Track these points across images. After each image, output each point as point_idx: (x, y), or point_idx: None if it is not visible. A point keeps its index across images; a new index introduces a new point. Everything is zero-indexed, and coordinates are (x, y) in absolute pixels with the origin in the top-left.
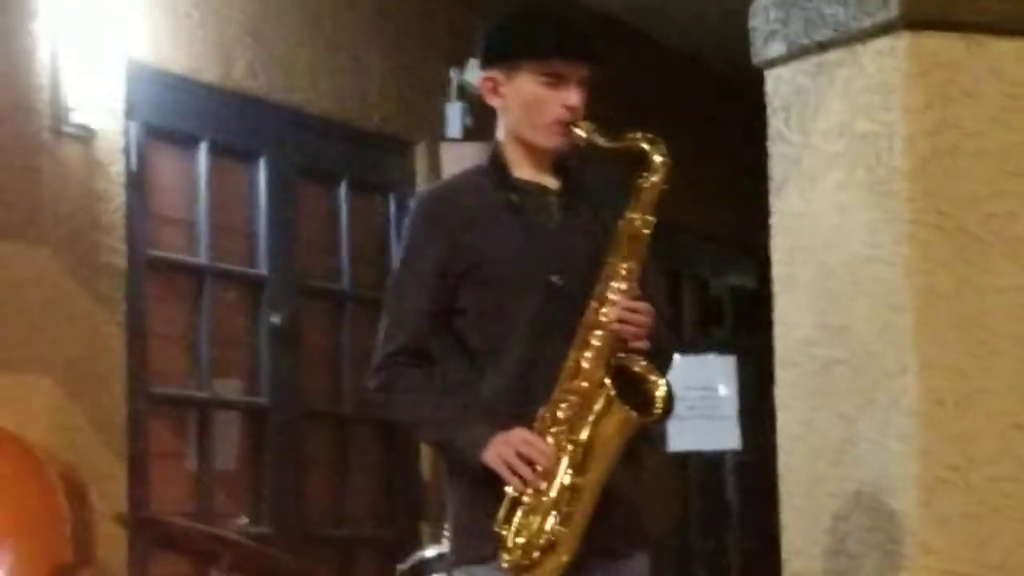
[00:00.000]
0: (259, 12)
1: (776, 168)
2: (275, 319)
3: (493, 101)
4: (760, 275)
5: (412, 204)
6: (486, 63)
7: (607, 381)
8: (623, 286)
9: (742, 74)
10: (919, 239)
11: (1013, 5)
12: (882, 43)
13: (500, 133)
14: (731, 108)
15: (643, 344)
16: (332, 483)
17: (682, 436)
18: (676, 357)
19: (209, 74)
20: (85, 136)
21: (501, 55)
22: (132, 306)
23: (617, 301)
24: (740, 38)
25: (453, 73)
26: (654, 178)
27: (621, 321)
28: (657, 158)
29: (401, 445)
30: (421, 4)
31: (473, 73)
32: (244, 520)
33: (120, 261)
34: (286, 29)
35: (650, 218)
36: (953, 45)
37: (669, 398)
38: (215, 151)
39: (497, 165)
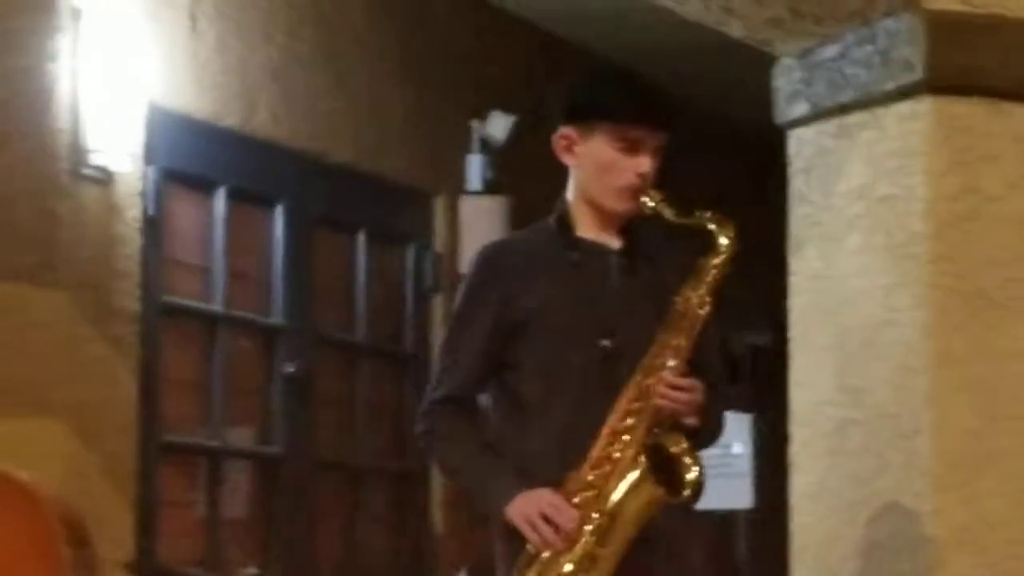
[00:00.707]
0: (282, 59)
1: (796, 228)
2: (289, 368)
3: (566, 159)
4: (777, 334)
5: (475, 255)
6: (564, 120)
7: (642, 457)
8: (671, 363)
9: (762, 132)
10: (937, 303)
11: None
12: (905, 106)
13: (569, 191)
14: (751, 166)
15: (693, 421)
16: (343, 534)
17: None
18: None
19: (229, 119)
20: (103, 179)
21: (580, 114)
22: (145, 352)
23: (663, 377)
24: (759, 97)
25: (475, 125)
26: (717, 260)
27: (664, 397)
28: (723, 240)
29: (414, 498)
30: (445, 55)
31: (495, 125)
32: (254, 570)
33: (135, 306)
34: (309, 76)
35: (708, 298)
36: (975, 110)
37: (699, 483)
38: (233, 197)
39: (563, 223)
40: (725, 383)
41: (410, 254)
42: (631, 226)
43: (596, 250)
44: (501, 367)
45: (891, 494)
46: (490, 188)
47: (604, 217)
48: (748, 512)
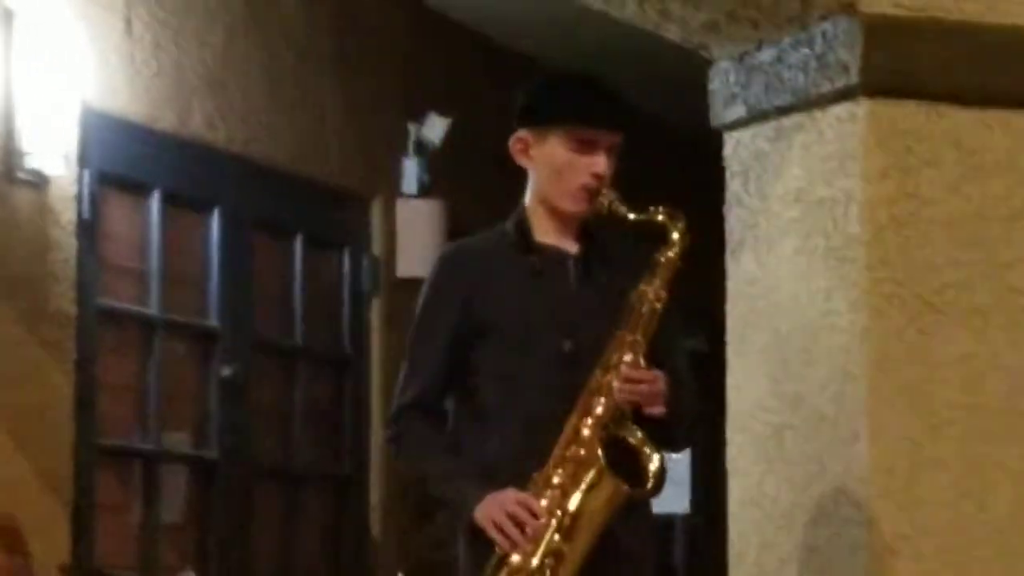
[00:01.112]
0: (218, 62)
1: (733, 232)
2: (226, 372)
3: (522, 162)
4: (713, 339)
5: (434, 259)
6: (519, 124)
7: (599, 452)
8: (628, 357)
9: (698, 136)
10: (874, 307)
11: (973, 75)
12: (841, 109)
13: (527, 195)
14: (687, 170)
15: (659, 410)
16: (280, 539)
17: None
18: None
19: (165, 123)
20: (37, 183)
21: (534, 117)
22: (82, 356)
23: (620, 371)
24: (698, 100)
25: (411, 128)
26: (671, 253)
27: (622, 391)
28: (675, 234)
29: (351, 502)
30: (381, 59)
31: (431, 128)
32: (190, 574)
33: (71, 310)
34: (245, 80)
35: (663, 293)
36: (912, 113)
37: (661, 472)
38: (168, 200)
39: (520, 227)
40: (689, 382)
41: (347, 257)
42: (589, 230)
43: (555, 255)
44: (463, 372)
45: (828, 500)
46: (426, 191)
47: (562, 221)
48: (686, 517)
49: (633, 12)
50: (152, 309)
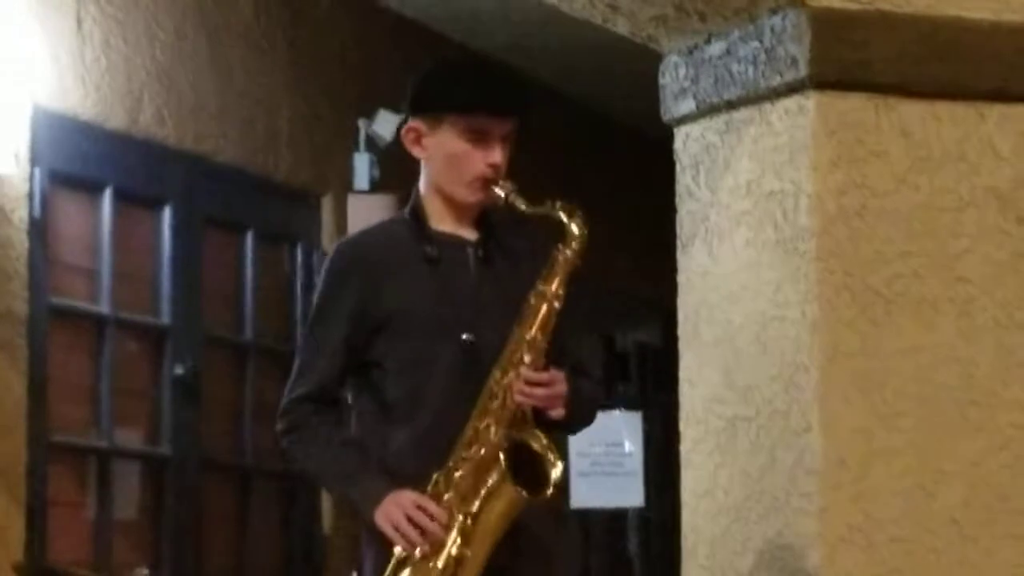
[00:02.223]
0: (168, 59)
1: (684, 225)
2: (178, 369)
3: (415, 151)
4: (666, 332)
5: (331, 251)
6: (411, 113)
7: (501, 457)
8: (527, 357)
9: (651, 129)
10: (825, 298)
11: (921, 67)
12: (791, 102)
13: (421, 184)
14: (641, 164)
15: (558, 413)
16: (232, 535)
17: (586, 492)
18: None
19: (115, 121)
20: None
21: (426, 106)
22: (33, 354)
23: (520, 373)
24: (649, 94)
25: (361, 124)
26: (569, 251)
27: (522, 393)
28: (574, 230)
29: (302, 499)
30: (331, 54)
31: (382, 124)
32: (144, 571)
33: (22, 308)
34: (195, 77)
35: (562, 291)
36: (862, 105)
37: (561, 481)
38: (120, 198)
39: (416, 216)
40: (593, 371)
41: (298, 253)
42: (486, 216)
43: (452, 243)
44: (363, 364)
45: (781, 492)
46: (377, 187)
47: (458, 208)
48: (639, 510)
49: (583, 6)
50: (104, 307)
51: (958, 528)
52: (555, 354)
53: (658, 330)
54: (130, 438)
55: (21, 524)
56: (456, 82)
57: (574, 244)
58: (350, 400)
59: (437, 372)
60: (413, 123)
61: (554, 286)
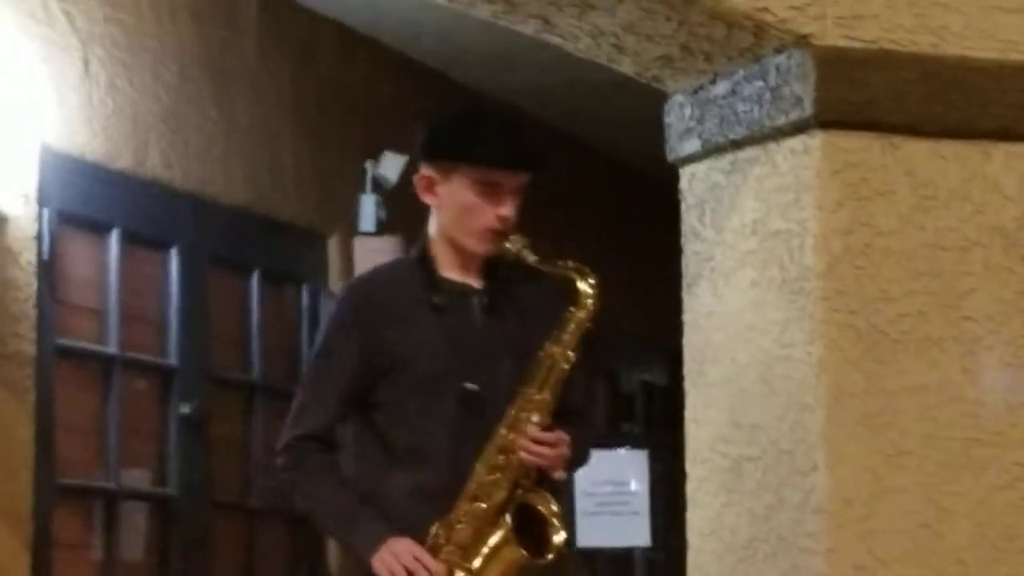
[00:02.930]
0: (175, 101)
1: (689, 265)
2: (185, 410)
3: (427, 198)
4: (672, 371)
5: (340, 291)
6: (424, 159)
7: (507, 517)
8: (535, 418)
9: (656, 169)
10: (830, 338)
11: (927, 106)
12: (796, 142)
13: (431, 228)
14: (646, 204)
15: (560, 474)
16: (239, 575)
17: (591, 532)
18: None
19: (122, 162)
20: None
21: (439, 154)
22: (41, 395)
23: (528, 432)
24: (655, 134)
25: (368, 166)
26: (581, 313)
27: (530, 452)
28: (587, 291)
29: (309, 540)
30: (336, 96)
31: (388, 166)
32: None
33: (29, 349)
34: (202, 118)
35: (570, 353)
36: (867, 144)
37: (563, 547)
38: (127, 239)
39: (424, 262)
40: (585, 406)
41: (304, 294)
42: (493, 264)
43: (459, 291)
44: (366, 407)
45: (787, 531)
46: (383, 228)
47: (465, 256)
48: (645, 550)
49: (587, 46)
50: (111, 347)
51: (964, 568)
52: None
53: (664, 369)
54: (137, 479)
55: (27, 565)
56: (471, 133)
57: (587, 305)
58: (351, 437)
59: (439, 421)
60: (425, 171)
61: (565, 348)
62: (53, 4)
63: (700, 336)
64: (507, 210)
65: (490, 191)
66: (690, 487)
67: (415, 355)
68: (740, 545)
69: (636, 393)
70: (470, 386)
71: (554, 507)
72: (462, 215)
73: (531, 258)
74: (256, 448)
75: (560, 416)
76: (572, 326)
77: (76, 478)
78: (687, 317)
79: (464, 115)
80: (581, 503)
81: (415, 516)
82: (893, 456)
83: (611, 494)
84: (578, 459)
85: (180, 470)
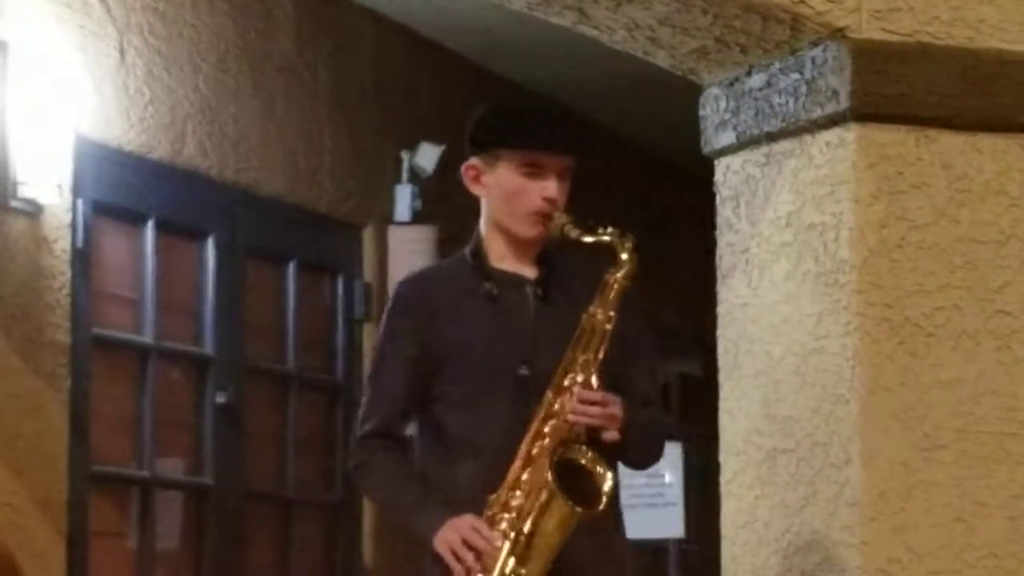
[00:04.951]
0: (212, 91)
1: (724, 257)
2: (220, 399)
3: (475, 190)
4: (707, 363)
5: (394, 289)
6: (469, 151)
7: (549, 475)
8: (579, 378)
9: (692, 161)
10: (865, 331)
11: (963, 99)
12: (831, 134)
13: (482, 222)
14: (681, 195)
15: (612, 435)
16: (274, 564)
17: (626, 523)
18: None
19: (159, 151)
20: (32, 212)
21: (483, 144)
22: (76, 384)
23: (574, 392)
24: (689, 126)
25: (403, 156)
26: (619, 274)
27: (575, 412)
28: (623, 254)
29: (344, 529)
30: (373, 86)
31: (424, 156)
32: None
33: (65, 339)
34: (238, 108)
35: (612, 313)
36: (902, 138)
37: (614, 492)
38: (163, 229)
39: (476, 254)
40: (656, 404)
41: (340, 284)
42: (546, 255)
43: (512, 280)
44: (427, 400)
45: (821, 524)
46: (418, 218)
47: (518, 246)
48: (679, 542)
49: (623, 39)
50: (146, 337)
51: (998, 561)
52: (621, 384)
53: (699, 361)
54: (172, 468)
55: (63, 555)
56: (512, 119)
57: (625, 268)
58: (415, 435)
59: (497, 407)
60: (471, 162)
61: (604, 308)
62: None
63: (735, 328)
64: (551, 191)
65: (533, 173)
66: (724, 479)
67: (469, 344)
68: (773, 537)
69: (672, 385)
70: (523, 371)
71: (591, 455)
72: (509, 200)
73: (574, 232)
74: (291, 438)
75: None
76: (611, 288)
77: (111, 467)
78: (722, 309)
79: (507, 105)
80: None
81: (477, 503)
82: (927, 449)
83: (646, 486)
84: (645, 443)
85: (215, 459)
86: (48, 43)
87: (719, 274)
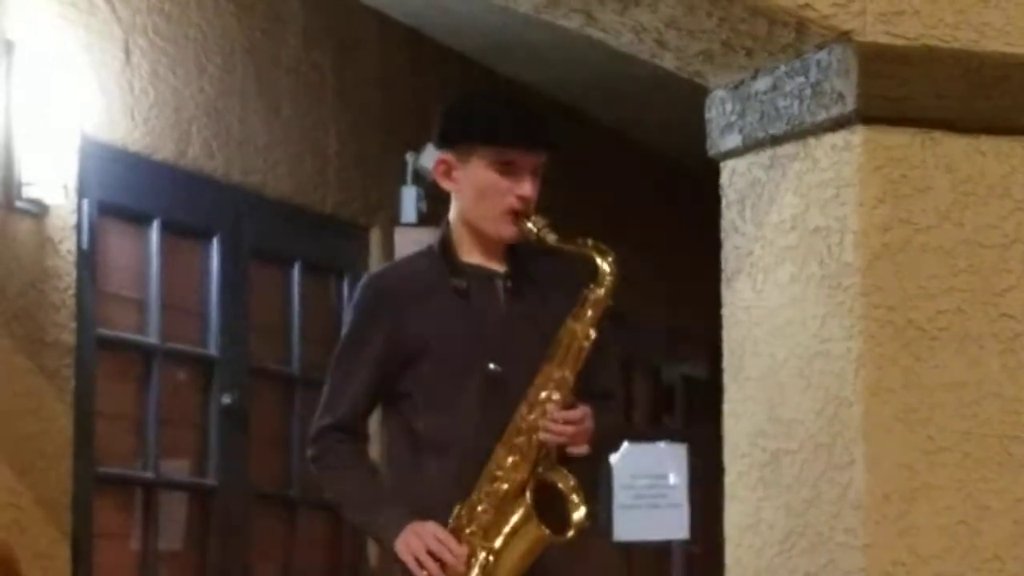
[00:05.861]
0: (217, 92)
1: (729, 260)
2: (225, 400)
3: (446, 184)
4: (712, 365)
5: (361, 283)
6: (440, 145)
7: (527, 496)
8: (555, 396)
9: (697, 164)
10: (869, 333)
11: (967, 102)
12: (836, 137)
13: (451, 215)
14: (687, 198)
15: (582, 451)
16: (279, 566)
17: (630, 525)
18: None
19: (164, 152)
20: (37, 212)
21: (455, 139)
22: (81, 385)
23: (547, 410)
24: (695, 129)
25: (409, 157)
26: (600, 291)
27: (549, 431)
28: (605, 270)
29: (349, 531)
30: (379, 87)
31: (429, 158)
32: None
33: (69, 339)
34: (243, 109)
35: (592, 331)
36: (907, 141)
37: (584, 524)
38: (168, 230)
39: (446, 248)
40: (617, 396)
41: (345, 286)
42: (516, 249)
43: (481, 275)
44: (394, 398)
45: (825, 526)
46: (424, 220)
47: (486, 241)
48: (683, 543)
49: (630, 41)
50: (151, 337)
51: (1002, 564)
52: (583, 375)
53: (704, 363)
54: (177, 469)
55: (67, 555)
56: (485, 114)
57: (605, 283)
58: (384, 433)
59: (465, 404)
60: (443, 156)
61: (585, 326)
62: None
63: (739, 330)
64: (526, 189)
65: (507, 171)
66: (728, 481)
67: (437, 339)
68: (777, 539)
69: (676, 386)
70: (494, 367)
71: (572, 483)
72: (481, 197)
73: (551, 238)
74: (296, 439)
75: (590, 397)
76: (592, 304)
77: (116, 468)
78: (726, 311)
79: (477, 99)
80: (620, 496)
81: (446, 502)
82: (931, 452)
83: (650, 487)
84: (606, 442)
85: (220, 460)
86: (53, 43)
87: (724, 277)
